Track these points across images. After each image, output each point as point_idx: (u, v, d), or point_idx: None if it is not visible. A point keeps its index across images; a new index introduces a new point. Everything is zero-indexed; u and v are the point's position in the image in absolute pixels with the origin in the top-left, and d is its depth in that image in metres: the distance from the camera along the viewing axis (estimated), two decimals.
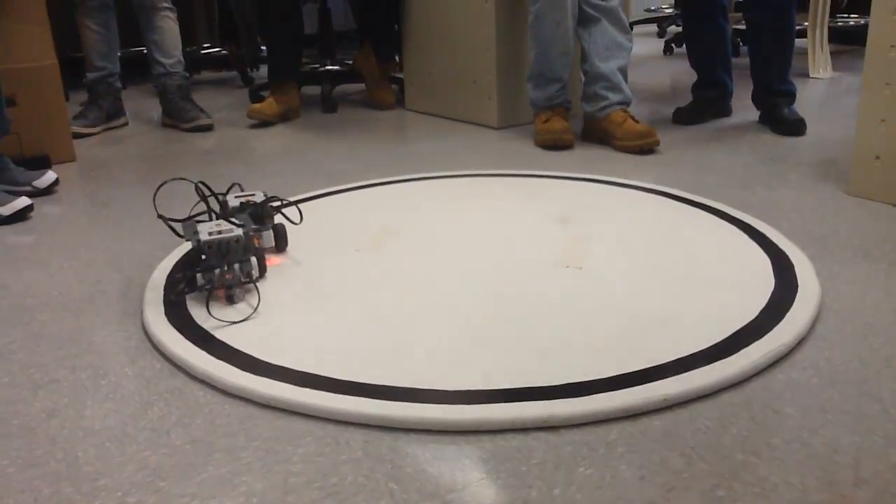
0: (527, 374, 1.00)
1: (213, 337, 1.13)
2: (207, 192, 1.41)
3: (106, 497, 0.81)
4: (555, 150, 2.25)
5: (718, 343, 1.06)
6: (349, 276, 1.36)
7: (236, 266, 1.25)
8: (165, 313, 1.21)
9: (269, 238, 1.45)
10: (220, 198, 1.44)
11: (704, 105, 2.57)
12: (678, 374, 0.98)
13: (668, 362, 1.01)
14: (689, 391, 0.95)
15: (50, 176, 1.97)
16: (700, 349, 1.05)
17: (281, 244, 1.46)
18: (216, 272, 1.23)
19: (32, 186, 1.94)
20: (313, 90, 3.15)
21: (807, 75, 3.38)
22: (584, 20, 2.29)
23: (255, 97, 3.08)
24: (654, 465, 0.83)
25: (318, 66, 3.23)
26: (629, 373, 0.99)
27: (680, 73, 3.64)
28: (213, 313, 1.19)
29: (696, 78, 2.59)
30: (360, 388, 0.98)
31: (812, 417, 0.91)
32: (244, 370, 1.03)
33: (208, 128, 2.73)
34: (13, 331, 1.22)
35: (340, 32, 3.63)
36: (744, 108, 2.56)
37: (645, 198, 1.76)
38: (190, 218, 1.33)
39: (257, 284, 1.27)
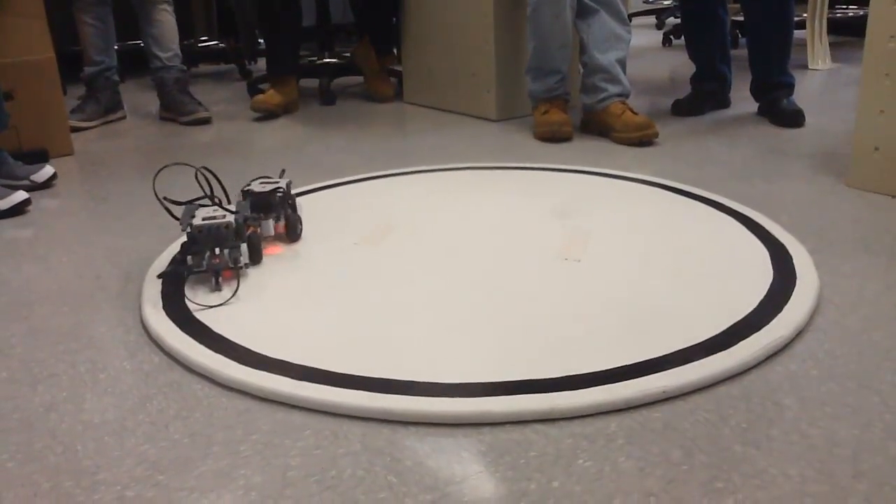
0: (525, 367, 1.00)
1: (211, 331, 1.13)
2: (208, 184, 1.41)
3: (105, 491, 0.81)
4: (553, 143, 2.25)
5: (717, 335, 1.06)
6: (348, 268, 1.36)
7: (225, 252, 1.29)
8: (164, 307, 1.21)
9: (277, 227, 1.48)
10: (244, 187, 1.46)
11: (703, 97, 2.57)
12: (677, 366, 0.98)
13: (667, 354, 1.01)
14: (688, 383, 0.95)
15: (48, 170, 1.97)
16: (699, 341, 1.05)
17: (292, 234, 1.48)
18: (206, 256, 1.27)
19: (30, 180, 1.93)
20: (311, 83, 3.15)
21: (806, 67, 3.38)
22: (583, 12, 2.28)
23: (254, 90, 3.08)
24: (653, 457, 0.83)
25: (316, 59, 3.23)
26: (628, 365, 0.99)
27: (679, 64, 3.64)
28: (193, 298, 1.22)
29: (695, 69, 2.59)
30: (359, 381, 0.98)
31: (811, 410, 0.91)
32: (242, 364, 1.03)
33: (206, 121, 2.73)
34: (12, 325, 1.22)
35: (339, 25, 3.63)
36: (743, 99, 2.56)
37: (644, 190, 1.75)
38: (191, 201, 1.36)
39: (244, 271, 1.30)
